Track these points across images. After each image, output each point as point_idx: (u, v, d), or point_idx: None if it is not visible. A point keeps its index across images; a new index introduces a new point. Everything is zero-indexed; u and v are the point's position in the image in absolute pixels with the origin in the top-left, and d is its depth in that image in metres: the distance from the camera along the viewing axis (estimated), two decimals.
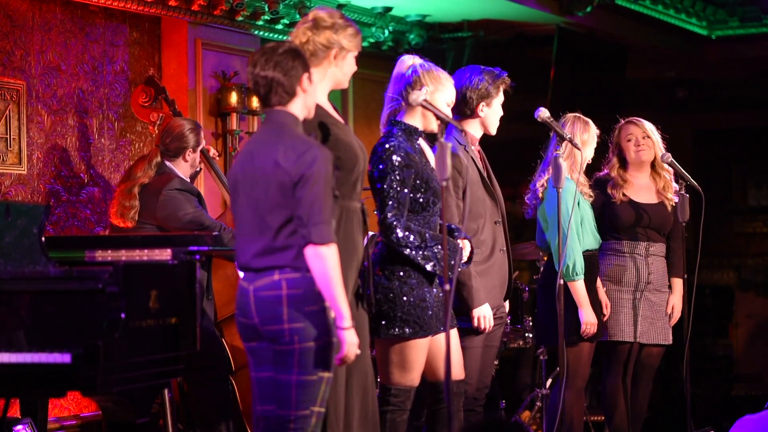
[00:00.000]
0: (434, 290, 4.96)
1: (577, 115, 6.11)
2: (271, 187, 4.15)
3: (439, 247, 4.85)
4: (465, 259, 5.03)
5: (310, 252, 4.10)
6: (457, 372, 5.05)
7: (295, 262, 4.14)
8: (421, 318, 4.89)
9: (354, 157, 4.56)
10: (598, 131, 6.12)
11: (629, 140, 6.36)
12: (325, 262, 4.10)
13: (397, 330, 4.87)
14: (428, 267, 4.86)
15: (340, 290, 4.12)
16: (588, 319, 5.92)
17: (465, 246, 5.00)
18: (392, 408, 4.95)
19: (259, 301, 4.18)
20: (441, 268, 4.84)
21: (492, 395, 6.50)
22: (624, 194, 6.30)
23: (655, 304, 6.30)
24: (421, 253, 4.85)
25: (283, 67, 4.21)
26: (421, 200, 4.93)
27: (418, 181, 4.90)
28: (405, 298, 4.88)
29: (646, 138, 6.34)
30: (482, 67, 5.58)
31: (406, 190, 4.86)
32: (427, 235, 4.87)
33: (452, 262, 4.83)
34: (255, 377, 4.30)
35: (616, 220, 6.29)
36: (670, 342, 6.40)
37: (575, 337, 5.91)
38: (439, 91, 5.08)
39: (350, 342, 4.18)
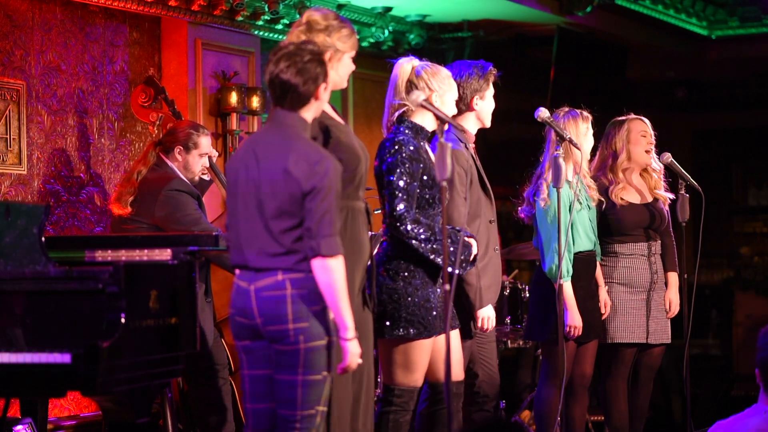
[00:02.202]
0: (438, 290, 4.96)
1: (566, 110, 6.05)
2: (278, 193, 4.13)
3: (448, 240, 4.84)
4: (472, 257, 5.02)
5: (318, 264, 4.10)
6: (457, 373, 5.05)
7: (298, 265, 4.14)
8: (425, 319, 4.89)
9: (356, 158, 4.56)
10: (589, 119, 6.04)
11: (643, 136, 6.26)
12: (333, 275, 4.10)
13: (401, 331, 4.87)
14: (438, 260, 4.85)
15: (345, 302, 4.12)
16: (572, 322, 5.83)
17: (473, 243, 5.00)
18: (395, 408, 4.95)
19: (261, 301, 4.16)
20: (450, 261, 4.83)
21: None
22: (622, 198, 6.25)
23: (659, 304, 6.29)
24: (429, 246, 4.85)
25: (304, 75, 4.18)
26: (427, 197, 4.93)
27: (425, 177, 4.90)
28: (410, 299, 4.88)
29: (651, 137, 6.30)
30: (468, 62, 5.59)
31: (415, 183, 4.86)
32: (436, 228, 4.87)
33: (462, 257, 4.84)
34: (248, 375, 4.29)
35: (621, 224, 6.21)
36: (670, 341, 6.39)
37: (556, 335, 5.85)
38: (449, 92, 5.08)
39: (353, 352, 4.17)
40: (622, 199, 6.22)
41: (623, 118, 6.36)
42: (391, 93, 5.07)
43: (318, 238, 4.08)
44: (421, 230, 4.84)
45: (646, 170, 6.33)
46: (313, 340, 4.14)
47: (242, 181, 4.23)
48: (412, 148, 4.88)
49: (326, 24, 4.53)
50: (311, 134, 4.34)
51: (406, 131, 4.97)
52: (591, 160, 6.29)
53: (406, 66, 5.06)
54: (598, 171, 6.33)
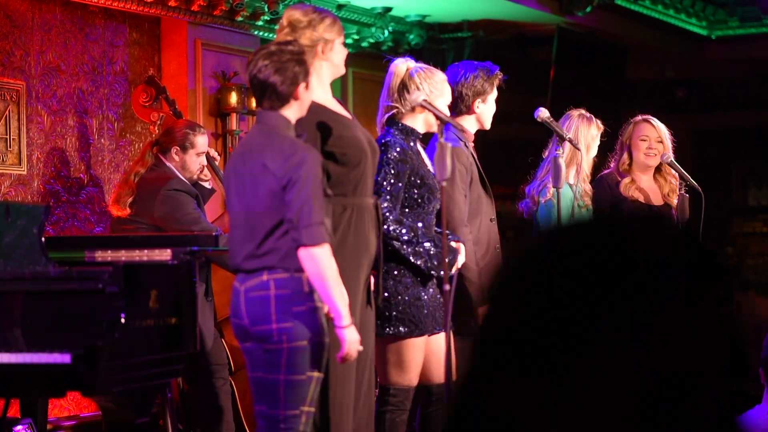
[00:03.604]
0: (430, 290, 4.95)
1: (582, 112, 6.06)
2: (260, 190, 4.16)
3: (430, 244, 4.85)
4: (460, 262, 5.00)
5: (303, 254, 4.10)
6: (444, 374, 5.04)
7: (283, 263, 4.14)
8: (416, 317, 4.88)
9: (360, 152, 4.54)
10: (601, 129, 6.07)
11: (643, 140, 6.26)
12: (319, 263, 4.10)
13: (392, 329, 4.87)
14: (418, 263, 4.85)
15: (336, 290, 4.12)
16: None
17: (460, 249, 4.99)
18: (391, 408, 4.95)
19: (248, 302, 4.20)
20: (431, 265, 4.85)
21: None
22: (632, 195, 6.26)
23: None
24: (411, 248, 4.85)
25: (283, 74, 4.20)
26: (416, 196, 4.92)
27: (413, 178, 4.90)
28: (400, 297, 4.88)
29: (659, 142, 6.29)
30: (475, 63, 5.58)
31: (400, 184, 4.86)
32: (419, 231, 4.87)
33: (447, 261, 4.83)
34: (250, 377, 4.33)
35: None
36: None
37: None
38: (441, 97, 5.07)
39: (350, 340, 4.17)
40: (632, 195, 6.23)
41: (634, 119, 6.37)
42: (385, 93, 5.08)
43: (300, 229, 4.08)
44: (404, 231, 4.84)
45: (661, 174, 6.34)
46: (296, 340, 4.14)
47: (233, 185, 4.27)
48: (399, 149, 4.89)
49: (308, 19, 4.54)
50: (303, 130, 4.34)
51: (396, 133, 4.98)
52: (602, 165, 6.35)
53: (401, 66, 5.06)
54: (611, 164, 6.38)
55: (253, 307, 4.18)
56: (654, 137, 6.28)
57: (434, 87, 5.05)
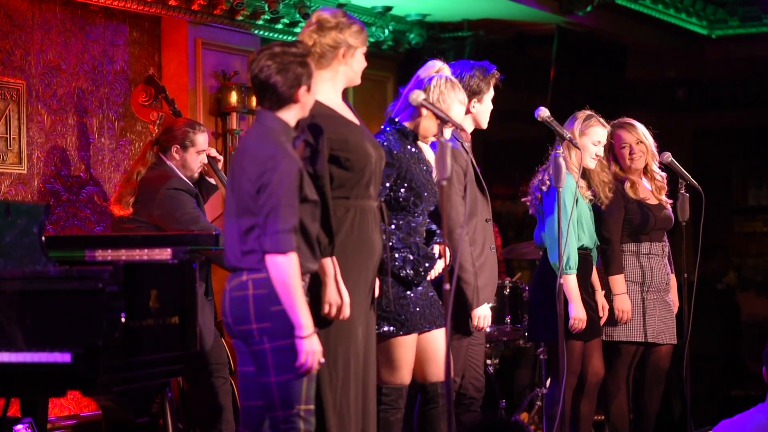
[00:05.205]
0: (419, 288, 4.93)
1: (590, 113, 6.07)
2: (241, 192, 4.18)
3: (407, 251, 4.83)
4: (435, 271, 4.98)
5: (268, 260, 4.11)
6: (441, 373, 5.02)
7: (262, 264, 4.15)
8: (402, 315, 4.85)
9: (364, 158, 4.53)
10: (606, 129, 6.07)
11: (623, 148, 6.27)
12: (281, 271, 4.09)
13: (377, 328, 4.83)
14: (402, 274, 4.83)
15: (296, 299, 4.10)
16: (576, 314, 5.83)
17: (436, 259, 4.95)
18: (384, 407, 4.92)
19: (231, 302, 4.22)
20: (416, 271, 4.82)
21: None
22: (638, 195, 6.27)
23: (666, 304, 6.30)
24: (396, 254, 4.83)
25: (285, 75, 4.20)
26: (401, 199, 4.90)
27: (399, 180, 4.88)
28: (383, 296, 4.85)
29: (639, 143, 6.28)
30: (472, 62, 5.57)
31: (383, 187, 4.84)
32: (393, 237, 4.84)
33: (422, 269, 4.82)
34: (239, 372, 4.36)
35: (639, 222, 6.22)
36: (676, 341, 6.39)
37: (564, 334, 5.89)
38: (449, 110, 5.04)
39: (309, 351, 4.13)
40: (638, 196, 6.24)
41: (614, 122, 6.33)
42: (411, 84, 5.10)
43: (266, 235, 4.09)
44: (393, 237, 4.85)
45: (648, 174, 6.34)
46: (277, 339, 4.15)
47: (229, 182, 4.30)
48: (384, 152, 4.87)
49: (336, 21, 4.58)
50: (299, 133, 4.34)
51: (390, 133, 4.99)
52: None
53: (435, 68, 5.09)
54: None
55: (234, 306, 4.21)
56: (633, 141, 6.28)
57: (444, 98, 5.03)
